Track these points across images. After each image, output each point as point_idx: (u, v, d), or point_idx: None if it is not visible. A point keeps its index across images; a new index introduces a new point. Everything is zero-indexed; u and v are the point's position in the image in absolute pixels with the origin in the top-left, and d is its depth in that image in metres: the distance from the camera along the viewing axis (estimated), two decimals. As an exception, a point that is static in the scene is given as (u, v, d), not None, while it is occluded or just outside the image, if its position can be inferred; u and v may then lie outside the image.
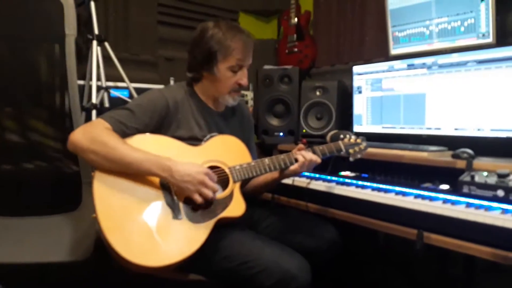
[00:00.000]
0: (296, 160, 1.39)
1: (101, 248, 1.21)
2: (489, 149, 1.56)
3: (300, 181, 1.69)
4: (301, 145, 1.46)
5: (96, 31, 2.14)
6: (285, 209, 1.63)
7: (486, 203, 1.22)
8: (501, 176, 1.25)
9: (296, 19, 2.68)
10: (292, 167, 1.40)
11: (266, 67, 2.44)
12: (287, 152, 1.44)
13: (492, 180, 1.26)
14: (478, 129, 1.63)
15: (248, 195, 1.56)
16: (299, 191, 1.68)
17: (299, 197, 1.69)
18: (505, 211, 1.15)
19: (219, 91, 1.46)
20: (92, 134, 1.25)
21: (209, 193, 1.25)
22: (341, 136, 1.51)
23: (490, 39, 1.69)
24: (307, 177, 1.72)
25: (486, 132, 1.61)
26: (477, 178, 1.29)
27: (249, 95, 2.77)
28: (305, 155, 1.39)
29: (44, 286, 1.68)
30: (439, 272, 1.76)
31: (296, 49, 2.68)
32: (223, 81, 1.43)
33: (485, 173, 1.30)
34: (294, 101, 2.31)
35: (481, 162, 1.40)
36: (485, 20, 1.70)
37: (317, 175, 1.73)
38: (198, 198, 1.25)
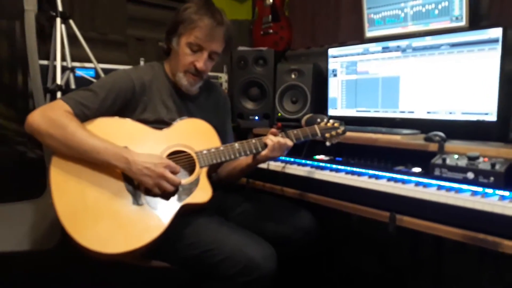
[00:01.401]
0: (266, 145, 1.36)
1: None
2: (460, 132, 1.59)
3: (275, 165, 1.68)
4: (273, 129, 1.42)
5: (59, 8, 2.01)
6: (260, 195, 1.61)
7: (457, 186, 1.24)
8: (471, 158, 1.27)
9: (271, 0, 2.61)
10: (263, 152, 1.36)
11: (241, 48, 2.39)
12: (262, 136, 1.40)
13: (463, 162, 1.28)
14: (450, 113, 1.65)
15: (224, 182, 1.54)
16: (274, 175, 1.67)
17: (274, 181, 1.68)
18: (474, 193, 1.18)
19: (176, 67, 1.41)
20: (51, 117, 1.18)
21: (168, 187, 1.21)
22: (318, 120, 1.48)
23: (463, 23, 1.70)
24: (282, 161, 1.71)
25: (458, 115, 1.63)
26: (448, 161, 1.31)
27: (223, 77, 2.71)
28: (272, 138, 1.36)
29: (8, 277, 1.62)
30: (411, 254, 1.80)
31: (271, 31, 2.63)
32: (180, 57, 1.38)
33: (456, 156, 1.32)
34: (269, 84, 2.28)
35: (452, 145, 1.42)
36: (458, 3, 1.70)
37: (292, 159, 1.72)
38: (157, 192, 1.20)
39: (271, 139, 1.36)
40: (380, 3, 1.97)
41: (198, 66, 1.38)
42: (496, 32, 1.50)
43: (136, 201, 1.20)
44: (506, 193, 1.14)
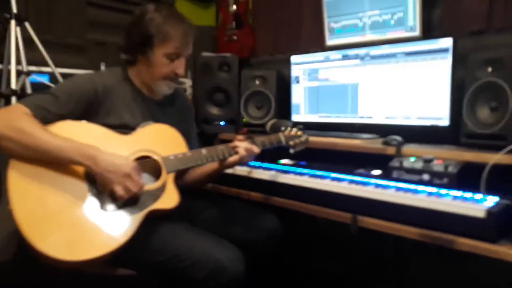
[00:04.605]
0: (236, 152, 1.37)
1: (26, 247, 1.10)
2: (416, 136, 1.66)
3: (240, 170, 1.69)
4: (240, 136, 1.45)
5: (14, 10, 1.93)
6: (226, 200, 1.61)
7: (414, 187, 1.29)
8: (427, 161, 1.34)
9: (234, 7, 2.64)
10: (231, 159, 1.38)
11: (205, 54, 2.38)
12: (228, 141, 1.41)
13: (419, 165, 1.34)
14: (406, 118, 1.73)
15: (190, 187, 1.52)
16: (240, 180, 1.68)
17: (240, 186, 1.69)
18: (429, 194, 1.23)
19: (153, 77, 1.39)
20: (7, 120, 1.13)
21: (133, 187, 1.16)
22: (282, 128, 1.52)
23: (417, 32, 1.79)
24: (248, 165, 1.71)
25: (413, 120, 1.71)
26: (405, 164, 1.37)
27: (188, 82, 2.69)
28: (246, 147, 1.37)
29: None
30: (373, 254, 1.86)
31: (235, 37, 2.65)
32: (158, 68, 1.36)
33: (412, 159, 1.39)
34: (234, 90, 2.29)
35: (409, 148, 1.48)
36: (412, 14, 1.80)
37: (257, 164, 1.74)
38: (120, 192, 1.15)
39: (245, 148, 1.37)
40: (340, 12, 2.05)
41: (179, 72, 1.39)
42: (447, 42, 1.59)
43: (101, 206, 1.16)
44: (459, 193, 1.21)
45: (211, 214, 1.49)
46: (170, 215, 1.27)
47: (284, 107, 2.20)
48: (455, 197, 1.19)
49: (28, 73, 1.99)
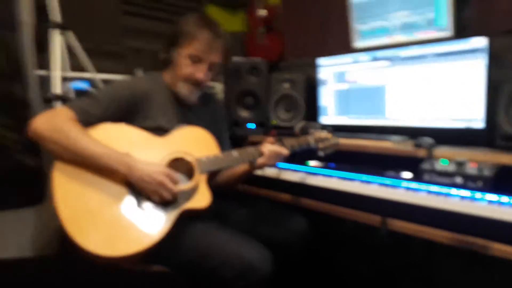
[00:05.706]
0: (263, 153, 1.41)
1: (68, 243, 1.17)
2: (449, 138, 1.63)
3: (270, 172, 1.71)
4: (269, 138, 1.48)
5: (58, 19, 2.05)
6: (256, 200, 1.64)
7: (446, 190, 1.27)
8: (459, 164, 1.31)
9: (263, 12, 2.68)
10: (260, 160, 1.41)
11: (235, 59, 2.43)
12: (258, 143, 1.44)
13: (451, 167, 1.32)
14: (439, 120, 1.70)
15: (222, 188, 1.57)
16: (269, 181, 1.70)
17: (270, 187, 1.71)
18: (462, 198, 1.21)
19: (176, 76, 1.44)
20: (54, 123, 1.21)
21: (167, 195, 1.22)
22: (311, 130, 1.53)
23: (449, 32, 1.75)
24: (277, 167, 1.74)
25: (446, 122, 1.67)
26: (437, 166, 1.35)
27: (219, 86, 2.75)
28: (270, 147, 1.41)
29: (5, 283, 1.62)
30: (403, 257, 1.83)
31: (264, 42, 2.69)
32: (180, 67, 1.42)
33: (445, 161, 1.36)
34: (263, 93, 2.32)
35: (441, 150, 1.46)
36: (444, 13, 1.76)
37: (286, 165, 1.76)
38: (155, 199, 1.22)
39: (268, 148, 1.41)
40: (368, 14, 2.02)
41: (198, 77, 1.42)
42: (481, 42, 1.55)
43: (138, 205, 1.21)
44: (495, 197, 1.18)
45: (241, 214, 1.52)
46: (202, 215, 1.32)
47: (313, 109, 2.20)
48: (490, 202, 1.16)
49: (71, 79, 2.11)
